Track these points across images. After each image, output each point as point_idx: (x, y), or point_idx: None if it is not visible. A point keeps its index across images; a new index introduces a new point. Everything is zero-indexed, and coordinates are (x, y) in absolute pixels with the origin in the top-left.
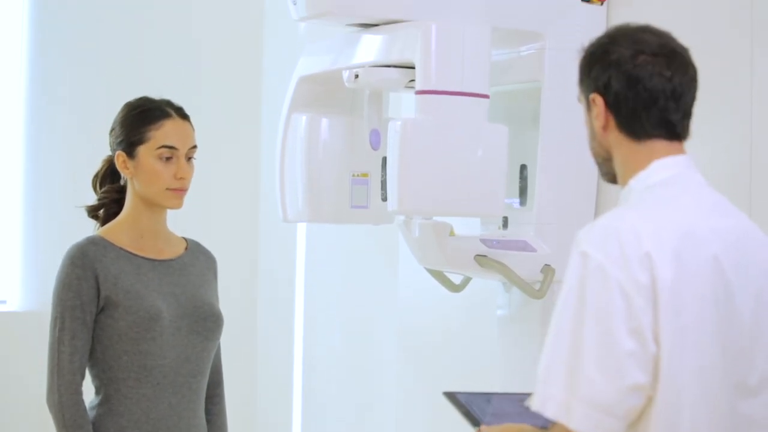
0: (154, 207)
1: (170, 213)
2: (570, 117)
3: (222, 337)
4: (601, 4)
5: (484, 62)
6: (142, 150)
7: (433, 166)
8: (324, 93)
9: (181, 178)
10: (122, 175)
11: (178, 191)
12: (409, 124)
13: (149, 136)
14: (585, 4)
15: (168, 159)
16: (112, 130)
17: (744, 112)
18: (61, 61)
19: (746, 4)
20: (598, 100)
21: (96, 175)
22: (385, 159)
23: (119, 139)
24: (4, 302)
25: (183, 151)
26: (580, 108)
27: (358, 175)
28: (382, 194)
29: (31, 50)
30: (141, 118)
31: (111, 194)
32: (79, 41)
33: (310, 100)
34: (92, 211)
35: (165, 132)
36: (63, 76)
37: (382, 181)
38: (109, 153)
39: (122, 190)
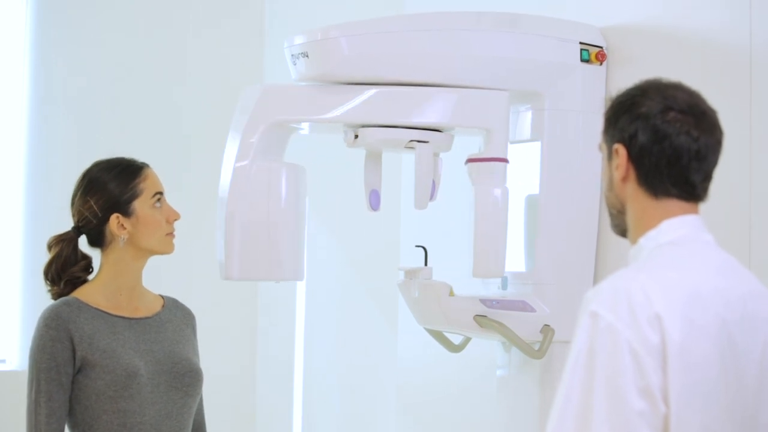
0: (143, 262)
1: (168, 273)
2: (569, 176)
3: (221, 396)
4: (601, 64)
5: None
6: (137, 204)
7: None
8: (276, 141)
9: (174, 220)
10: (108, 239)
11: (173, 234)
12: (500, 191)
13: (141, 188)
14: (584, 65)
15: (159, 205)
16: (87, 201)
17: (743, 171)
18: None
19: (745, 65)
20: (622, 150)
21: (53, 262)
22: None
23: (109, 203)
24: (3, 361)
25: (164, 195)
26: (578, 167)
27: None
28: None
29: (33, 73)
30: (126, 175)
31: (83, 274)
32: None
33: (263, 147)
34: (61, 296)
35: (151, 181)
36: (65, 134)
37: None
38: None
39: (88, 266)
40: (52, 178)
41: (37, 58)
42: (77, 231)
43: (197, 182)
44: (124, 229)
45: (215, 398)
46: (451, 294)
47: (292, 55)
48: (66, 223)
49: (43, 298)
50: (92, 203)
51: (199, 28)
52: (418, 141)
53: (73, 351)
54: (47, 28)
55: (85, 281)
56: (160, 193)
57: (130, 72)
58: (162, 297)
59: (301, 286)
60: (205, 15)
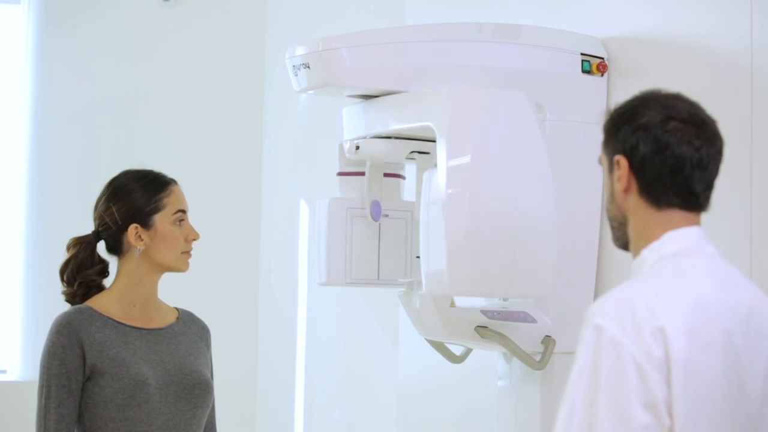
0: (157, 275)
1: (173, 283)
2: (569, 187)
3: (222, 405)
4: (602, 75)
5: None
6: (158, 218)
7: None
8: None
9: (193, 239)
10: (124, 249)
11: (189, 253)
12: None
13: (164, 203)
14: (585, 76)
15: (180, 223)
16: (109, 207)
17: (744, 180)
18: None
19: (746, 74)
20: (623, 162)
21: (70, 262)
22: None
23: (130, 213)
24: (4, 372)
25: (188, 214)
26: (579, 178)
27: None
28: None
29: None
30: (153, 188)
31: (98, 277)
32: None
33: None
34: (75, 298)
35: (176, 197)
36: (63, 147)
37: None
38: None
39: (104, 270)
40: (53, 189)
41: (39, 65)
42: (96, 235)
43: (197, 191)
44: (141, 240)
45: (216, 409)
46: (452, 305)
47: (294, 66)
48: (67, 234)
49: (45, 310)
50: (114, 210)
51: (201, 39)
52: (419, 152)
53: (84, 358)
54: (48, 38)
55: (99, 285)
56: (183, 210)
57: (131, 83)
58: (177, 309)
59: (302, 297)
60: (207, 26)
